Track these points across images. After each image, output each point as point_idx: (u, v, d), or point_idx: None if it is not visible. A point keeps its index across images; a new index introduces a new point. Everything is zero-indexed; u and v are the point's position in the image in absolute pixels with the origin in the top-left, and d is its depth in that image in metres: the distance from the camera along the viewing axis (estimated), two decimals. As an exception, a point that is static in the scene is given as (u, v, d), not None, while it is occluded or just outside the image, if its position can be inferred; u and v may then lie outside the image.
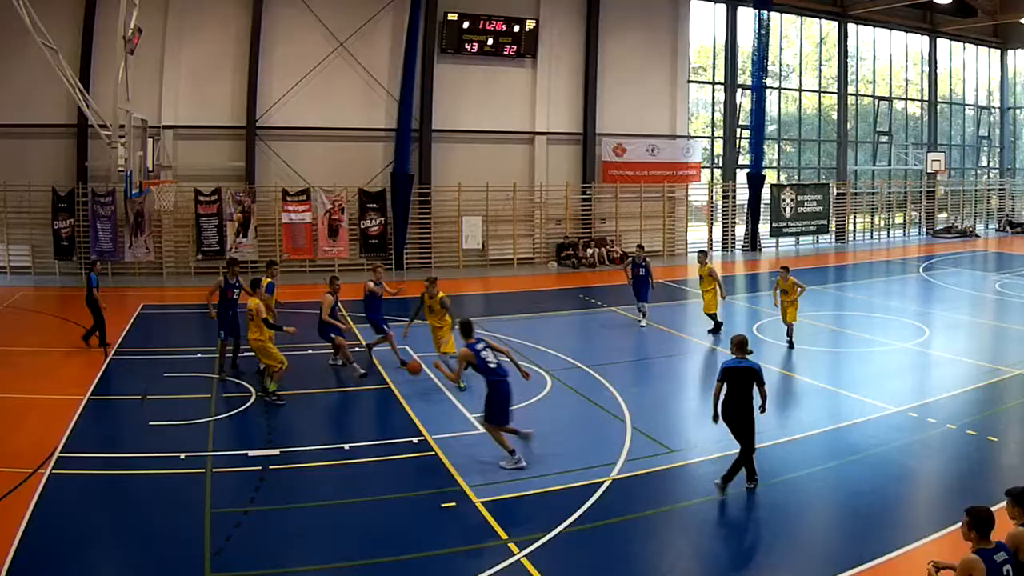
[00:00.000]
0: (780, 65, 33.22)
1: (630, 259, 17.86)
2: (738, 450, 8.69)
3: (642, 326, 17.26)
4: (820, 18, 33.59)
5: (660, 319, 17.72)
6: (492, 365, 9.42)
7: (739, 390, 8.57)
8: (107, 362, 13.96)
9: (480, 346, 9.56)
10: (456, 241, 26.46)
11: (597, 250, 27.64)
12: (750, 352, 8.79)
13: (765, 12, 29.62)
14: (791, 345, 15.24)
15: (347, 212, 24.72)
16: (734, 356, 8.72)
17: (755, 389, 8.63)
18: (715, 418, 8.67)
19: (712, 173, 31.95)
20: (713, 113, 32.14)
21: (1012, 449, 10.22)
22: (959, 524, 5.49)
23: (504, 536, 7.73)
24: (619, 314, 18.92)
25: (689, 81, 30.63)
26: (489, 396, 9.41)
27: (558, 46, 27.60)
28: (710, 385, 13.73)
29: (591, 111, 28.08)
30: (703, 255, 17.27)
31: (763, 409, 8.78)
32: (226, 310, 13.15)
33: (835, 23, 33.79)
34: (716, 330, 16.38)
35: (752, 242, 31.25)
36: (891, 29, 35.66)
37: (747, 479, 8.76)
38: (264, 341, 11.80)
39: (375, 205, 25.08)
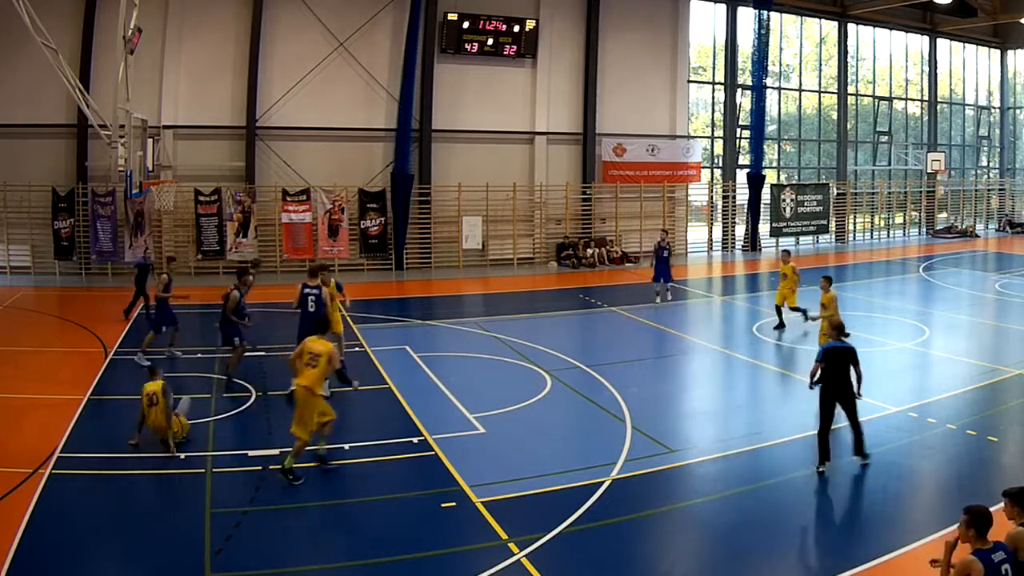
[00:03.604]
0: (780, 65, 33.21)
1: (655, 244, 20.26)
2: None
3: (658, 303, 19.44)
4: (820, 18, 33.59)
5: (660, 319, 17.72)
6: None
7: (837, 370, 9.17)
8: (107, 362, 13.97)
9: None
10: (456, 241, 26.45)
11: (597, 250, 27.64)
12: (847, 335, 9.49)
13: (765, 12, 29.62)
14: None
15: (347, 212, 24.72)
16: (832, 339, 9.44)
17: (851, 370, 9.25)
18: (811, 386, 9.51)
19: (712, 173, 31.94)
20: (713, 113, 32.14)
21: (1012, 449, 10.22)
22: (959, 524, 5.49)
23: (504, 536, 7.73)
24: (619, 314, 18.92)
25: (689, 81, 30.62)
26: None
27: (558, 46, 27.59)
28: (710, 385, 13.82)
29: (591, 111, 28.07)
30: (786, 254, 17.69)
31: (859, 392, 9.29)
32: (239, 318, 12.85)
33: (835, 23, 33.78)
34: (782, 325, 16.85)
35: (752, 242, 31.24)
36: (891, 29, 35.66)
37: (820, 461, 9.20)
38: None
39: (375, 205, 25.08)
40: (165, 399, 9.80)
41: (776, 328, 16.65)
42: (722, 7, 31.08)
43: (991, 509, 5.51)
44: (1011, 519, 5.54)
